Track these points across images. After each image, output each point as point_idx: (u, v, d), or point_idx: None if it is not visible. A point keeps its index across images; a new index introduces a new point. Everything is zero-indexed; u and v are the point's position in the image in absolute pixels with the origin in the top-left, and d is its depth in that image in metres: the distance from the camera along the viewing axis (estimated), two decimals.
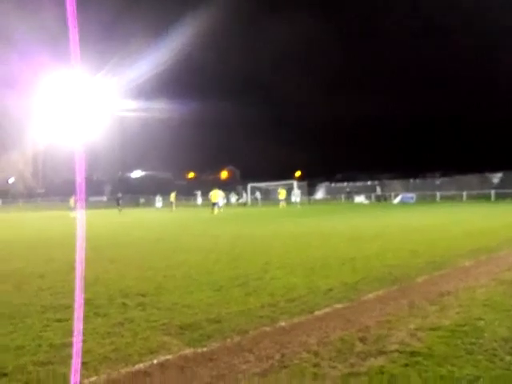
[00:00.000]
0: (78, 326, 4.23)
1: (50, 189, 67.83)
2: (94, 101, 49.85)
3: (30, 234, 16.02)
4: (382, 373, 3.17)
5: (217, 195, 30.29)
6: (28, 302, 5.42)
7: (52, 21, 49.80)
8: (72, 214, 27.86)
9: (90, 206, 32.75)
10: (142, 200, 47.54)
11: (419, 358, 3.40)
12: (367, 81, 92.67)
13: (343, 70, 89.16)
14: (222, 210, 28.79)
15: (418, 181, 53.17)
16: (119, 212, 31.66)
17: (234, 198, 49.11)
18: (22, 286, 6.40)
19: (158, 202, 40.23)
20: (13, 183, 73.54)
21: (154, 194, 45.02)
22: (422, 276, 6.47)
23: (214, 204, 29.84)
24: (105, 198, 67.50)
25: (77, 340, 3.92)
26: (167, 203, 41.10)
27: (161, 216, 27.81)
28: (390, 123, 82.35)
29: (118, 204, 34.78)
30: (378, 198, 48.70)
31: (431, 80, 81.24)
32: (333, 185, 63.33)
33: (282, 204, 38.71)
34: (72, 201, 30.89)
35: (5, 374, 3.30)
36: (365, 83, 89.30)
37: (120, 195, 37.94)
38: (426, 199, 43.53)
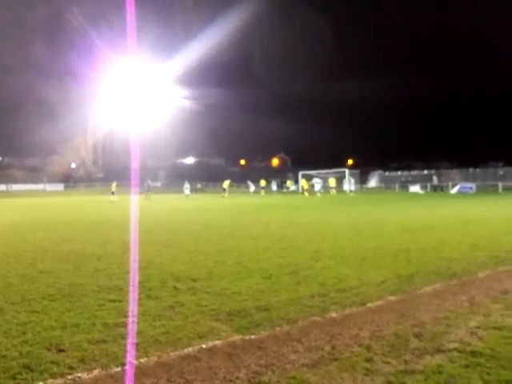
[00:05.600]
0: (131, 307, 4.36)
1: (109, 174, 70.93)
2: (149, 90, 51.32)
3: (90, 217, 16.83)
4: (440, 372, 2.99)
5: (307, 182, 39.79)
6: (85, 282, 5.66)
7: (111, 11, 51.63)
8: (112, 198, 28.90)
9: (144, 190, 33.89)
10: (198, 185, 48.13)
11: (481, 360, 3.17)
12: (427, 63, 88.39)
13: (405, 51, 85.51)
14: (319, 195, 35.70)
15: (478, 170, 50.25)
16: (147, 199, 31.69)
17: (274, 186, 48.88)
18: (81, 266, 6.71)
19: (186, 189, 39.17)
20: (74, 168, 77.61)
21: (207, 180, 45.31)
22: (483, 271, 6.08)
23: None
24: (159, 184, 69.73)
25: (130, 321, 4.04)
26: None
27: (212, 203, 28.26)
28: (448, 109, 78.36)
29: (148, 191, 34.55)
30: (435, 188, 46.58)
31: (499, 62, 75.91)
32: (387, 173, 61.42)
33: (333, 192, 39.52)
34: (114, 186, 31.46)
35: (62, 350, 3.45)
36: (424, 65, 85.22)
37: (149, 182, 37.91)
38: (486, 190, 41.01)
